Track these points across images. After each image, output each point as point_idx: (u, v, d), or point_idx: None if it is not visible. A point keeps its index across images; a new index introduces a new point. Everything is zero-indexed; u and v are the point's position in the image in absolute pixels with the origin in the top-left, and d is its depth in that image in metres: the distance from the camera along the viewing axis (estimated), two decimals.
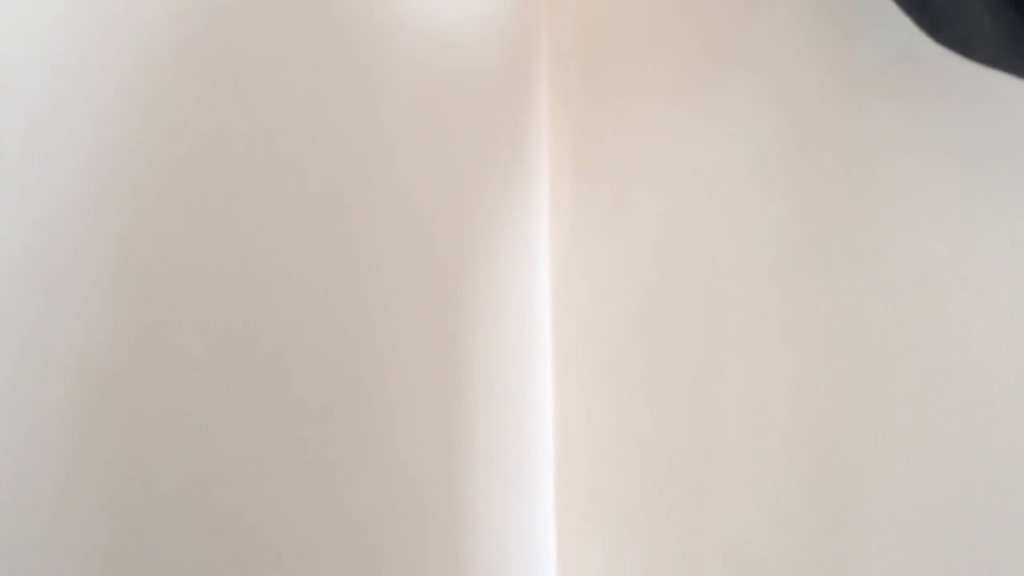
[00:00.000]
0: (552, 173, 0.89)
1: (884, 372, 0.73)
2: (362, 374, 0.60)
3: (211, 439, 0.48)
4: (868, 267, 0.76)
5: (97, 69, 0.44)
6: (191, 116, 0.49)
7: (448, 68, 0.71)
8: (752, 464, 0.78)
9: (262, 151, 0.52)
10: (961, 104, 0.68)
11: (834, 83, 0.77)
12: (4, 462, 0.39)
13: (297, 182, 0.55)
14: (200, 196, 0.49)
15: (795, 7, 0.79)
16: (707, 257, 0.82)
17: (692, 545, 0.80)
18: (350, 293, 0.60)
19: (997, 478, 0.67)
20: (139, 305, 0.46)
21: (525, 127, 0.85)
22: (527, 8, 0.86)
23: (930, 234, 0.73)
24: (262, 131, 0.52)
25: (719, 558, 0.78)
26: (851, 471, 0.73)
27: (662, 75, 0.85)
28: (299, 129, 0.55)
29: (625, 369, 0.86)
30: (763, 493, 0.77)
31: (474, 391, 0.73)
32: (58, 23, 0.42)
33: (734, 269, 0.81)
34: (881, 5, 0.69)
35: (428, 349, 0.67)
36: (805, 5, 0.78)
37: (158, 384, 0.46)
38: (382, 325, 0.63)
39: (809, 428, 0.76)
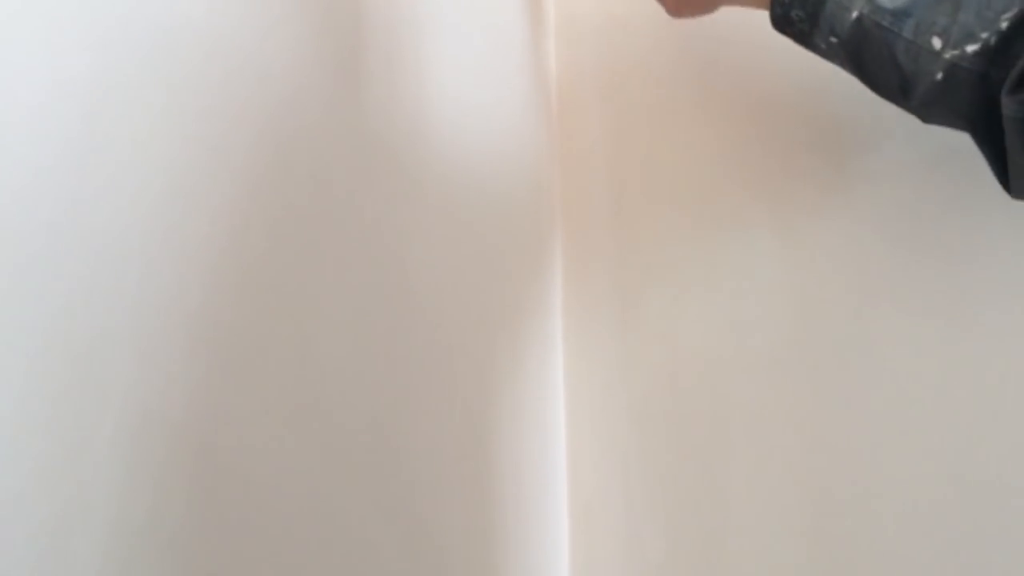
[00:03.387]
0: (565, 275, 0.94)
1: (883, 459, 0.77)
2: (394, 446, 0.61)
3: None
4: (863, 358, 0.80)
5: None
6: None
7: (471, 193, 0.76)
8: (761, 552, 0.81)
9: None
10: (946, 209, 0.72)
11: (827, 190, 0.82)
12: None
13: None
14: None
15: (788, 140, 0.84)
16: (712, 354, 0.85)
17: None
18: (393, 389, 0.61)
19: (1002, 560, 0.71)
20: None
21: (539, 235, 0.90)
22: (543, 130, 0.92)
23: (921, 325, 0.78)
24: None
25: None
26: (857, 554, 0.77)
27: (667, 180, 0.89)
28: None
29: (635, 461, 0.89)
30: None
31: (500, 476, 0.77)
32: None
33: (738, 365, 0.84)
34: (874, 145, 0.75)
35: (454, 439, 0.71)
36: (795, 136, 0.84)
37: None
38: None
39: (814, 515, 0.79)
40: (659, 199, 0.90)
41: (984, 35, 0.59)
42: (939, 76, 0.61)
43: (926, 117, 0.66)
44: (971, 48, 0.59)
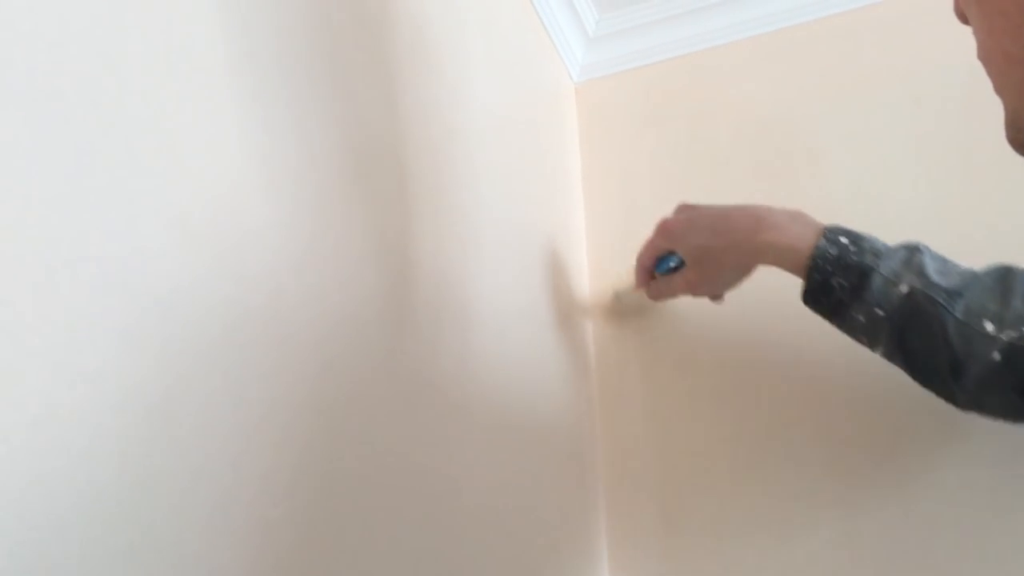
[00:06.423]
0: None
1: None
2: None
3: None
4: None
5: None
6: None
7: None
8: None
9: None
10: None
11: (889, 496, 0.79)
12: None
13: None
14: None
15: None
16: None
17: None
18: None
19: None
20: None
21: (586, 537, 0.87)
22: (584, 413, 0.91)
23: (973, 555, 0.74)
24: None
25: None
26: None
27: (714, 477, 0.88)
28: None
29: None
30: None
31: None
32: None
33: None
34: None
35: None
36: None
37: None
38: None
39: None
40: (705, 496, 0.87)
41: None
42: (997, 357, 0.61)
43: (979, 400, 0.65)
44: None
